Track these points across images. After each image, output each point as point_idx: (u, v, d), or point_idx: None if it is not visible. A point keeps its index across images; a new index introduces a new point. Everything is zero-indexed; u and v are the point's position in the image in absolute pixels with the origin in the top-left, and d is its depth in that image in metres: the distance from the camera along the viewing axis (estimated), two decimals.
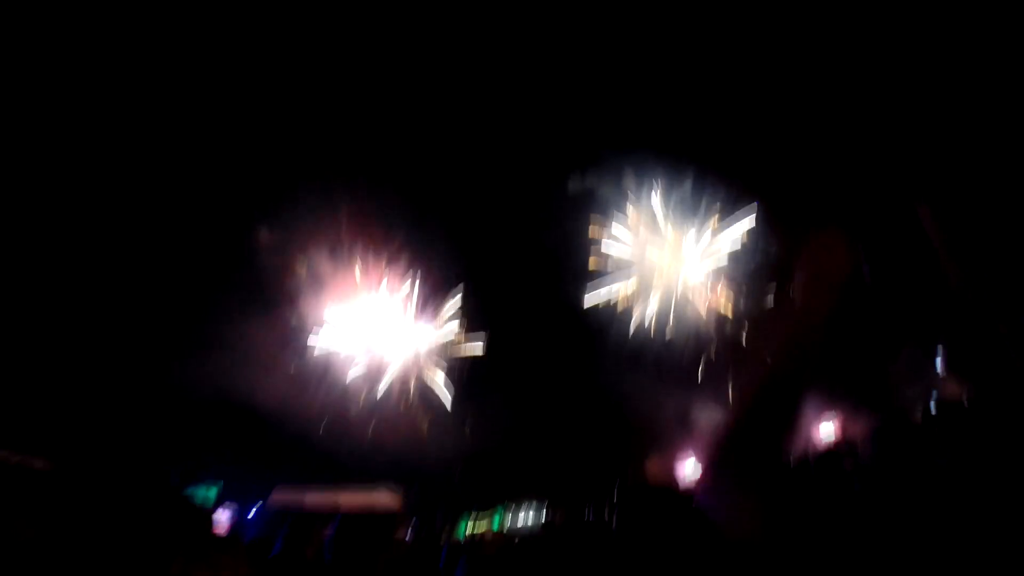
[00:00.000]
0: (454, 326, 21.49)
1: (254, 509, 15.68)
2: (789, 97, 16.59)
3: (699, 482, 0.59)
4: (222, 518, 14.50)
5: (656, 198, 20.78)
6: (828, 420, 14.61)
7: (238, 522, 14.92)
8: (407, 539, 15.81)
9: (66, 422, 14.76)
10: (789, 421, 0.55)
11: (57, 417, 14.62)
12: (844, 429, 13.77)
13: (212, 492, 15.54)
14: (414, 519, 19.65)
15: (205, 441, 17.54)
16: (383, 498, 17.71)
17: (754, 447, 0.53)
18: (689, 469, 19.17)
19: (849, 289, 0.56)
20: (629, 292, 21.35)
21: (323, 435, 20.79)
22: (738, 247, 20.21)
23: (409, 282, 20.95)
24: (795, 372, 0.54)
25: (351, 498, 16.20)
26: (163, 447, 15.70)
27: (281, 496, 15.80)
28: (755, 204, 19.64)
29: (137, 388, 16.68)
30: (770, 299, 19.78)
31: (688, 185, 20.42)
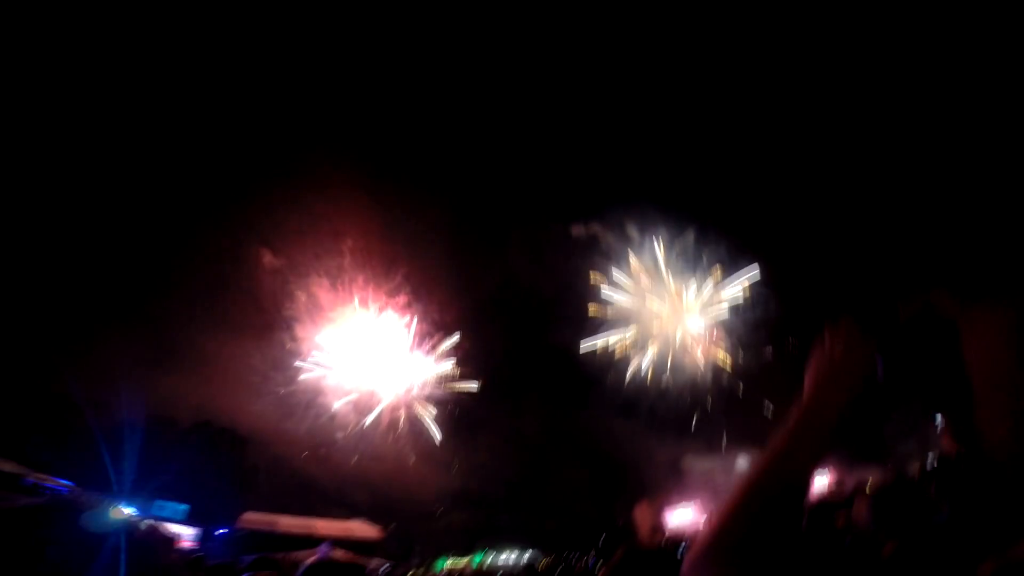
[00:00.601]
0: (450, 364, 21.42)
1: (222, 531, 15.00)
2: (803, 159, 17.01)
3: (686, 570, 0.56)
4: (187, 538, 13.86)
5: (659, 249, 21.19)
6: (820, 472, 14.30)
7: (204, 543, 14.27)
8: (381, 574, 15.11)
9: (38, 428, 14.32)
10: (793, 527, 0.52)
11: (29, 425, 14.20)
12: (837, 481, 13.51)
13: (179, 511, 14.91)
14: (390, 554, 18.87)
15: (179, 458, 17.00)
16: (360, 529, 17.04)
17: (755, 549, 0.50)
18: (678, 518, 18.69)
19: (865, 388, 0.54)
20: (627, 340, 21.48)
21: (304, 461, 20.27)
22: (740, 301, 20.48)
23: (408, 316, 21.00)
24: (803, 473, 0.52)
25: (326, 527, 15.56)
26: (136, 464, 15.18)
27: (252, 519, 15.19)
28: (758, 260, 19.98)
29: (114, 403, 16.25)
30: (769, 354, 19.94)
31: (691, 237, 20.86)
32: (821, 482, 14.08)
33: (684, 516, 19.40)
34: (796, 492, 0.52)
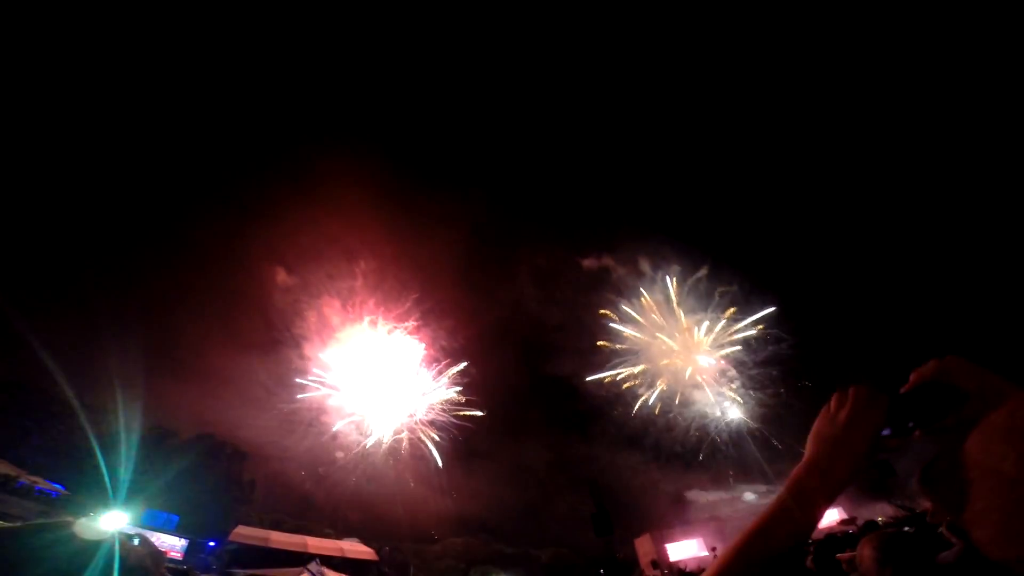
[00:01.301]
0: (455, 391, 21.68)
1: (212, 543, 14.73)
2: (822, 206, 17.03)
3: None
4: (175, 550, 13.62)
5: (671, 285, 21.58)
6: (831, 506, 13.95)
7: (193, 556, 14.01)
8: None
9: (39, 437, 14.31)
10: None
11: (26, 427, 14.21)
12: (848, 517, 13.19)
13: (171, 521, 14.70)
14: (384, 575, 18.49)
15: (177, 469, 16.89)
16: (353, 549, 16.73)
17: None
18: (680, 551, 18.25)
19: (873, 451, 0.55)
20: (636, 373, 21.78)
21: (303, 479, 20.19)
22: (752, 339, 20.66)
23: (417, 341, 21.31)
24: (804, 528, 0.53)
25: (318, 545, 15.31)
26: (131, 471, 15.10)
27: (245, 533, 14.94)
28: (773, 301, 20.26)
29: (115, 410, 16.31)
30: (778, 393, 19.95)
31: (705, 274, 21.25)
32: (830, 516, 13.71)
33: (686, 550, 19.01)
34: (796, 546, 0.52)
